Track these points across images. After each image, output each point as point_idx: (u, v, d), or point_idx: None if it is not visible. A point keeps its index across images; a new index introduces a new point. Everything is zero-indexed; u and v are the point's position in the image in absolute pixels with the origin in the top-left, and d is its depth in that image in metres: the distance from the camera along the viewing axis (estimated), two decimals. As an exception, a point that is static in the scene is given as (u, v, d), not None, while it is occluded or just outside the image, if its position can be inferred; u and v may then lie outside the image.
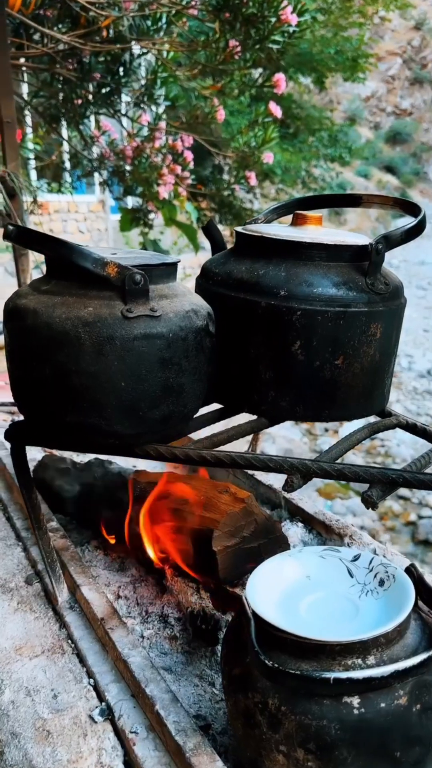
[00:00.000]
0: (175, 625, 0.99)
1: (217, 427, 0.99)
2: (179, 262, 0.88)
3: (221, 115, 3.84)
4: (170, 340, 0.80)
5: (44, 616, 1.02)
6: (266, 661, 0.64)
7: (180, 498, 1.02)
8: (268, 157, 3.82)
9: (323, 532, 1.20)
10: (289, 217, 1.14)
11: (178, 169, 3.76)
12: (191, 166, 3.84)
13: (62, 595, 1.01)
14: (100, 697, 0.85)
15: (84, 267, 0.76)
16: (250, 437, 1.21)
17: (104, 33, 3.29)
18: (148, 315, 0.79)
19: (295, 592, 0.76)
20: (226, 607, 0.97)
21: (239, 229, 1.04)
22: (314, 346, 0.93)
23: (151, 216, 4.24)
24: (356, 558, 0.80)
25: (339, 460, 0.89)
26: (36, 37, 3.34)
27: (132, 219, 4.33)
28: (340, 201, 1.19)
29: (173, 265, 0.87)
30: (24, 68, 3.62)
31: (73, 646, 0.95)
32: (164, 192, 3.79)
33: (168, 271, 0.86)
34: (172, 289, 0.85)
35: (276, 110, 3.72)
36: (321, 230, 1.02)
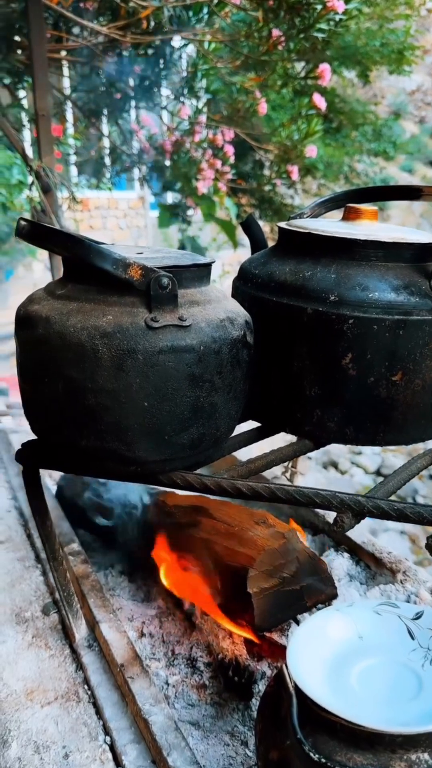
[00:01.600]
0: (204, 671, 0.88)
1: (254, 450, 0.88)
2: (213, 262, 0.76)
3: (263, 108, 3.72)
4: (201, 354, 0.69)
5: (60, 654, 0.92)
6: (311, 753, 0.52)
7: (210, 527, 0.91)
8: (311, 151, 3.68)
9: (372, 564, 1.07)
10: (337, 214, 1.01)
11: (218, 163, 3.65)
12: (231, 160, 3.73)
13: (80, 631, 0.91)
14: (117, 760, 0.74)
15: (103, 269, 0.66)
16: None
17: (144, 24, 3.20)
18: (176, 325, 0.68)
19: (344, 657, 0.64)
20: (263, 655, 0.86)
21: (282, 224, 0.92)
22: (369, 360, 0.81)
23: (190, 212, 4.15)
24: (419, 616, 0.67)
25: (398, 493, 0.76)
26: (75, 30, 3.27)
27: (170, 215, 4.25)
28: (395, 193, 1.05)
29: (206, 267, 0.75)
30: (63, 61, 3.56)
31: (89, 693, 0.84)
32: (203, 187, 3.69)
33: (200, 273, 0.74)
34: (204, 294, 0.74)
35: (320, 102, 3.57)
36: (377, 226, 0.89)
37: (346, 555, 1.10)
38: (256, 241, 1.06)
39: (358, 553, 1.09)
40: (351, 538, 1.11)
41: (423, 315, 0.80)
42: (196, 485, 0.73)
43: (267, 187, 4.50)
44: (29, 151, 3.07)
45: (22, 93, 3.58)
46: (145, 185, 4.30)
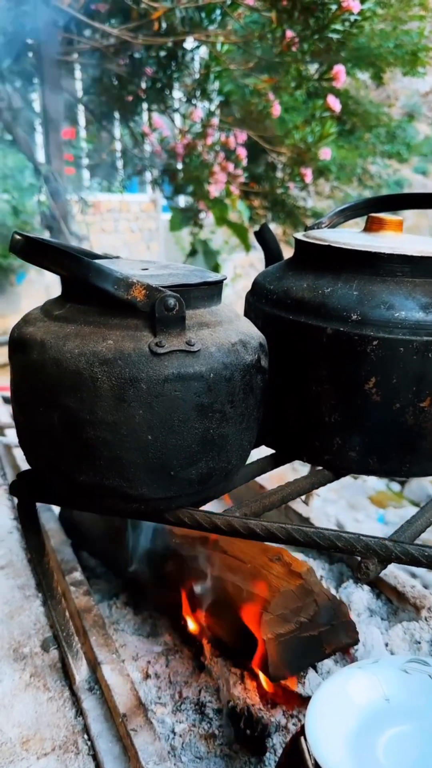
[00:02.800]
0: (213, 719, 0.81)
1: (267, 479, 0.81)
2: (225, 279, 0.70)
3: (276, 110, 3.66)
4: (211, 382, 0.62)
5: (59, 696, 0.86)
6: None
7: (221, 562, 0.84)
8: (325, 153, 3.61)
9: (394, 599, 1.00)
10: (359, 222, 0.94)
11: (231, 166, 3.59)
12: (244, 163, 3.67)
13: (80, 673, 0.85)
14: None
15: (103, 289, 0.60)
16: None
17: (156, 26, 3.15)
18: (184, 350, 0.61)
19: (370, 724, 0.57)
20: (277, 702, 0.79)
21: (299, 236, 0.86)
22: (394, 384, 0.74)
23: (202, 215, 4.10)
24: (452, 676, 0.60)
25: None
26: (87, 32, 3.23)
27: (182, 218, 4.20)
28: (419, 202, 0.98)
29: (217, 285, 0.69)
30: (75, 64, 3.53)
31: (89, 744, 0.78)
32: (215, 191, 3.64)
33: (210, 291, 0.68)
34: (215, 315, 0.68)
35: (335, 104, 3.51)
36: (402, 237, 0.83)
37: (366, 587, 1.03)
38: (271, 251, 1.00)
39: (378, 585, 1.02)
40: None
41: (454, 336, 0.73)
42: (205, 524, 0.67)
43: (280, 190, 4.43)
44: (41, 155, 3.04)
45: (33, 95, 3.55)
46: (156, 188, 4.26)
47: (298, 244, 0.85)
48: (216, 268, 4.19)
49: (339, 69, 3.35)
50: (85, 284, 0.60)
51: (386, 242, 0.79)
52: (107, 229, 8.31)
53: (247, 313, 0.89)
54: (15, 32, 3.03)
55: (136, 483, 0.63)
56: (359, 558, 0.64)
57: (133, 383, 0.60)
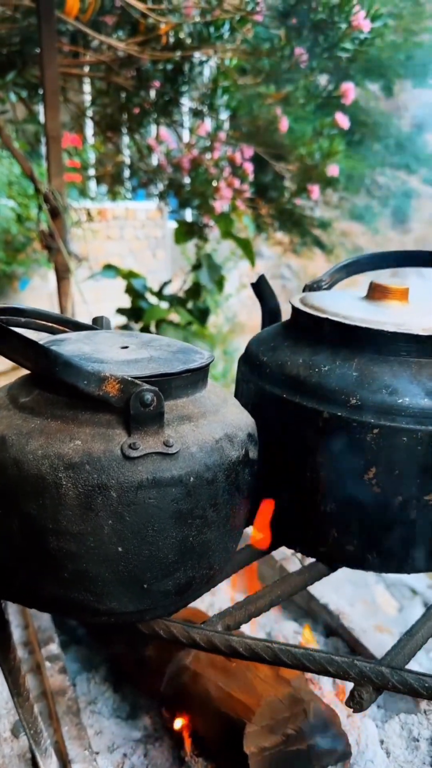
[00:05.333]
0: None
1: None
2: (212, 361, 0.63)
3: (284, 125, 3.62)
4: (191, 487, 0.56)
5: (25, 795, 0.79)
6: None
7: (204, 656, 0.77)
8: (333, 170, 3.57)
9: (392, 685, 0.93)
10: (357, 281, 0.88)
11: (237, 182, 3.55)
12: (251, 178, 3.63)
13: (49, 771, 0.78)
14: None
15: (73, 386, 0.53)
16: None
17: (164, 40, 3.10)
18: (160, 452, 0.55)
19: None
20: None
21: (296, 302, 0.79)
22: (396, 476, 0.67)
23: (207, 229, 4.05)
24: None
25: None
26: (94, 44, 3.19)
27: (187, 231, 4.15)
28: (425, 260, 0.91)
29: (202, 370, 0.62)
30: (81, 77, 3.48)
31: None
32: (220, 207, 3.60)
33: (194, 378, 0.61)
34: (198, 405, 0.61)
35: (343, 121, 3.46)
36: (407, 308, 0.76)
37: (362, 669, 0.96)
38: (268, 305, 0.93)
39: (376, 668, 0.95)
40: (368, 648, 0.97)
41: (463, 425, 0.66)
42: (182, 639, 0.60)
43: (287, 206, 4.37)
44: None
45: (40, 106, 3.51)
46: (162, 201, 4.21)
47: (295, 312, 0.78)
48: (220, 282, 4.13)
49: (348, 87, 3.31)
50: (53, 380, 0.54)
51: (390, 315, 0.73)
52: (113, 236, 8.28)
53: (239, 384, 0.82)
54: (19, 43, 2.99)
55: (104, 597, 0.57)
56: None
57: (102, 491, 0.53)
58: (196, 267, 4.13)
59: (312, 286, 0.90)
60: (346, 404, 0.67)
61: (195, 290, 3.91)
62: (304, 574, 0.71)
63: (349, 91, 3.30)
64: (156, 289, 3.92)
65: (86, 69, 3.34)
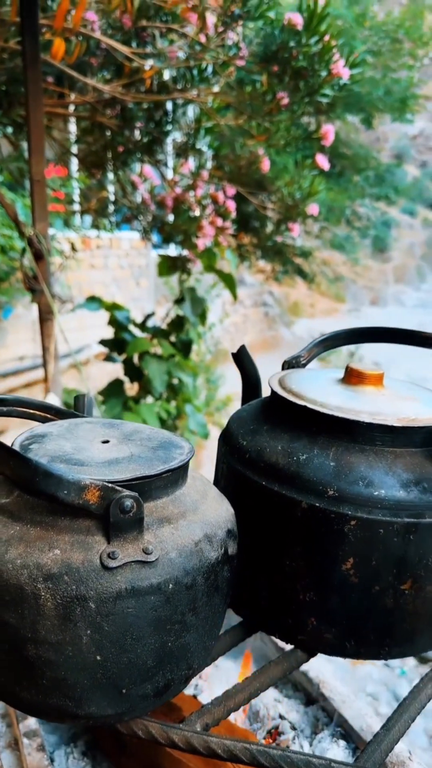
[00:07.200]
0: None
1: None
2: (192, 457, 0.64)
3: (266, 165, 3.70)
4: (170, 594, 0.56)
5: None
6: None
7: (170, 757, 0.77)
8: (313, 209, 3.64)
9: (372, 760, 0.93)
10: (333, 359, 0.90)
11: (219, 221, 3.60)
12: (233, 215, 3.68)
13: None
14: None
15: (53, 496, 0.54)
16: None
17: (147, 83, 3.17)
18: (139, 560, 0.55)
19: None
20: None
21: (275, 385, 0.81)
22: (374, 567, 0.68)
23: (190, 264, 4.09)
24: None
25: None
26: (79, 84, 3.24)
27: (170, 267, 4.19)
28: (402, 337, 0.93)
29: (182, 468, 0.63)
30: (66, 116, 3.53)
31: None
32: (203, 245, 3.65)
33: (174, 477, 0.62)
34: (178, 504, 0.62)
35: (323, 162, 3.55)
36: (382, 394, 0.78)
37: (342, 743, 0.96)
38: (248, 376, 0.95)
39: (357, 741, 0.95)
40: (348, 721, 0.97)
41: (437, 516, 0.68)
42: (160, 740, 0.60)
43: (269, 243, 4.44)
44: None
45: (23, 143, 3.55)
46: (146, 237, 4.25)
47: (274, 396, 0.79)
48: (203, 315, 4.17)
49: (328, 129, 3.39)
50: (33, 490, 0.54)
51: (366, 402, 0.75)
52: (97, 265, 8.32)
53: (219, 463, 0.83)
54: (5, 83, 3.03)
55: (83, 703, 0.57)
56: (331, 787, 0.58)
57: (81, 602, 0.53)
58: (180, 301, 4.16)
59: (291, 363, 0.91)
60: (324, 495, 0.69)
61: (178, 323, 3.93)
62: (283, 664, 0.72)
63: (329, 133, 3.38)
64: (139, 320, 3.94)
65: (71, 108, 3.40)
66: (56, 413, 0.75)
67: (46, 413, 0.75)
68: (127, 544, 0.56)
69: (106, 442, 0.66)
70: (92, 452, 0.62)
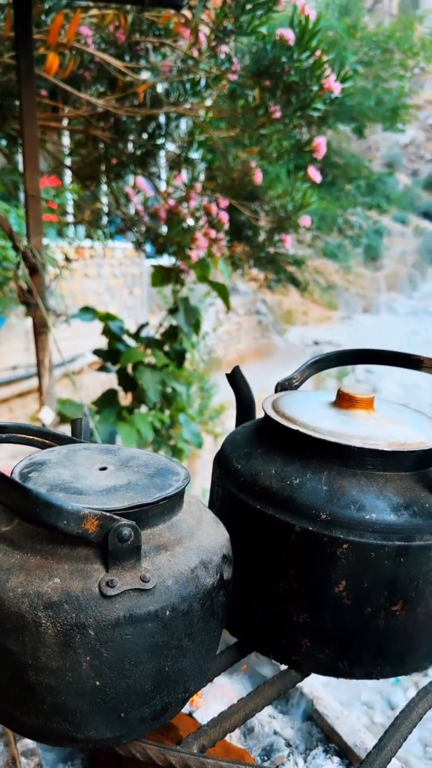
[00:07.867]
0: None
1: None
2: (188, 483, 0.66)
3: (259, 177, 3.73)
4: (167, 620, 0.58)
5: None
6: None
7: None
8: (305, 221, 3.67)
9: (366, 776, 0.94)
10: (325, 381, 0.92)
11: (212, 232, 3.63)
12: (226, 227, 3.71)
13: None
14: None
15: (53, 526, 0.55)
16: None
17: (140, 97, 3.20)
18: (137, 588, 0.57)
19: None
20: None
21: (268, 409, 0.82)
22: (365, 589, 0.70)
23: (183, 274, 4.12)
24: None
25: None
26: (72, 98, 3.27)
27: (164, 277, 4.22)
28: (391, 360, 0.96)
29: (177, 497, 0.65)
30: (60, 129, 3.56)
31: None
32: (196, 256, 3.67)
33: (171, 504, 0.64)
34: (174, 530, 0.63)
35: (315, 175, 3.58)
36: (373, 418, 0.80)
37: (336, 759, 0.97)
38: (242, 398, 0.97)
39: (350, 757, 0.96)
40: (342, 736, 0.98)
41: (427, 539, 0.70)
42: (158, 762, 0.61)
43: (261, 254, 4.47)
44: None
45: (17, 156, 3.57)
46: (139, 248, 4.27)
47: (268, 420, 0.81)
48: (197, 324, 4.19)
49: (320, 142, 3.42)
50: (33, 519, 0.55)
51: (357, 426, 0.76)
52: (90, 274, 8.34)
53: (214, 486, 0.85)
54: (0, 97, 3.05)
55: (82, 727, 0.58)
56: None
57: (80, 629, 0.55)
58: (173, 311, 4.18)
59: (284, 385, 0.93)
60: (317, 519, 0.70)
61: (172, 333, 3.95)
62: (277, 684, 0.73)
63: (321, 146, 3.42)
64: (133, 329, 3.95)
65: (65, 122, 3.42)
66: (54, 438, 0.77)
67: (45, 439, 0.76)
68: (125, 572, 0.57)
69: (104, 469, 0.67)
70: (90, 480, 0.64)
